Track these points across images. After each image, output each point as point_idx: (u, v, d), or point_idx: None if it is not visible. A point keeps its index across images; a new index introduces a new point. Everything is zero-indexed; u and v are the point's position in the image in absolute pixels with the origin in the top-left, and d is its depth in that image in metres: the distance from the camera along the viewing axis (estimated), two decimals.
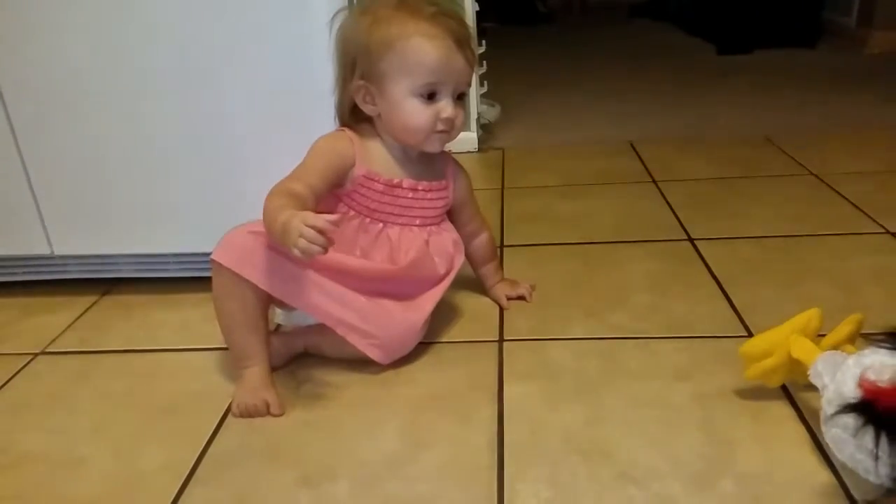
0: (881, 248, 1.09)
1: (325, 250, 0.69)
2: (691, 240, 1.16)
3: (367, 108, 0.84)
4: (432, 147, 0.85)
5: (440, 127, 0.82)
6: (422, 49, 0.79)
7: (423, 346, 0.90)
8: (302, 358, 0.89)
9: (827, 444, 0.65)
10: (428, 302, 0.89)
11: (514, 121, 1.96)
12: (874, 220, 1.18)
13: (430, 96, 0.81)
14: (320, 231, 0.68)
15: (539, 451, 0.71)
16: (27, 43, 0.92)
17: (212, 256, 0.79)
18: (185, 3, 0.89)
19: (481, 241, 0.99)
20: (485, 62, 1.73)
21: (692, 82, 2.31)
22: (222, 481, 0.70)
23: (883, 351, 0.63)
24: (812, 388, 0.68)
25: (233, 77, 0.93)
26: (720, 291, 0.99)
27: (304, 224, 0.68)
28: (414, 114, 0.81)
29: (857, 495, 0.62)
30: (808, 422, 0.72)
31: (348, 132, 0.86)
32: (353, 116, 0.86)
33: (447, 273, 0.91)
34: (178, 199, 1.00)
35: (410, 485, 0.68)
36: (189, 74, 0.93)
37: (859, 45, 2.57)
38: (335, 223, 0.70)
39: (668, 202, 1.33)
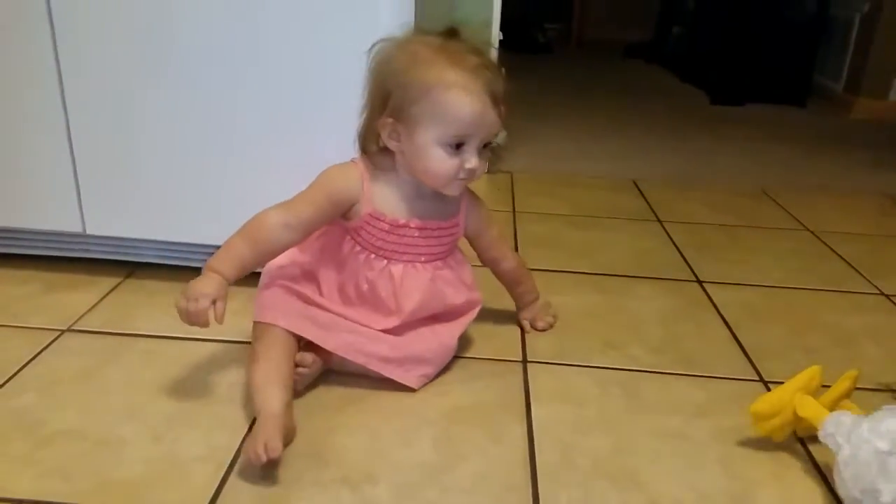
0: (877, 307, 1.16)
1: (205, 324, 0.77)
2: (699, 281, 1.21)
3: (392, 145, 0.83)
4: (451, 192, 0.85)
5: (462, 176, 0.82)
6: (459, 102, 0.78)
7: (452, 359, 0.93)
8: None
9: (841, 496, 0.70)
10: (456, 328, 0.92)
11: (520, 146, 2.01)
12: (869, 281, 1.25)
13: (458, 146, 0.80)
14: (185, 311, 0.76)
15: (570, 473, 0.74)
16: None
17: (255, 320, 0.83)
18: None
19: (507, 266, 0.99)
20: None
21: (688, 128, 2.40)
22: (264, 475, 0.71)
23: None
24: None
25: (272, 72, 0.95)
26: (730, 334, 1.04)
27: (191, 293, 0.76)
28: (439, 161, 0.80)
29: None
30: (821, 468, 0.76)
31: (360, 166, 0.85)
32: (374, 146, 0.85)
33: (467, 303, 0.92)
34: (207, 190, 1.01)
35: (449, 495, 0.70)
36: (229, 67, 0.95)
37: (845, 110, 2.70)
38: (200, 316, 0.76)
39: (674, 242, 1.38)
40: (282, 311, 0.83)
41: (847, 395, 0.79)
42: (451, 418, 0.82)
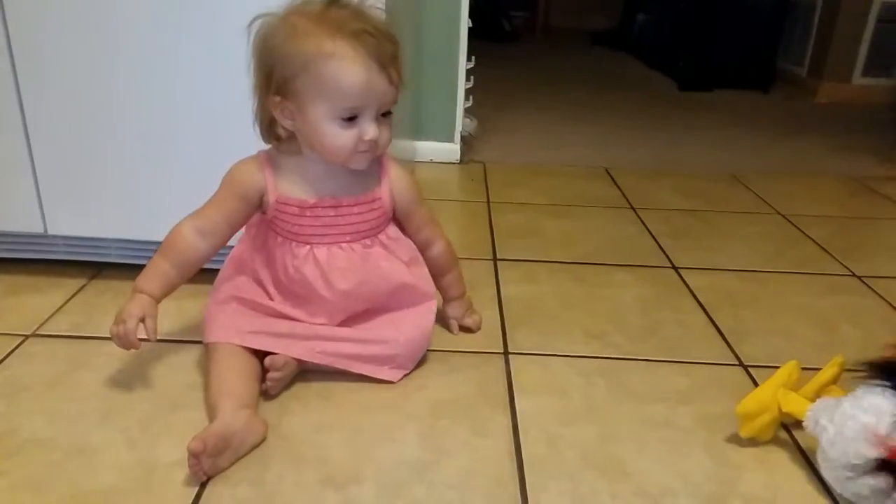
0: (850, 289, 1.17)
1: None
2: (675, 268, 1.22)
3: (287, 124, 0.79)
4: (357, 165, 0.81)
5: (362, 148, 0.78)
6: (341, 73, 0.73)
7: (430, 352, 0.91)
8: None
9: (827, 479, 0.71)
10: (420, 319, 0.88)
11: (491, 135, 2.00)
12: (840, 263, 1.27)
13: (351, 118, 0.76)
14: (114, 336, 0.77)
15: (557, 465, 0.74)
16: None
17: (204, 342, 0.82)
18: None
19: (436, 251, 0.93)
20: (472, 77, 1.77)
21: (657, 114, 2.41)
22: (245, 479, 0.69)
23: (877, 391, 0.69)
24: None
25: (233, 61, 0.90)
26: (707, 319, 1.05)
27: (119, 316, 0.78)
28: (334, 136, 0.77)
29: None
30: (805, 453, 0.77)
31: (262, 156, 0.83)
32: (279, 129, 0.81)
33: (417, 289, 0.89)
34: (172, 185, 0.98)
35: (436, 491, 0.69)
36: (187, 57, 0.92)
37: (809, 94, 2.74)
38: (128, 336, 0.77)
39: (648, 230, 1.39)
40: (232, 328, 0.81)
41: (834, 380, 0.80)
42: (435, 413, 0.80)
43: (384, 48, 0.75)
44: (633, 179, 1.69)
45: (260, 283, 0.86)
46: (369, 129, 0.77)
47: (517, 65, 3.31)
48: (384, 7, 0.79)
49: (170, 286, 0.82)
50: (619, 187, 1.64)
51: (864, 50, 2.68)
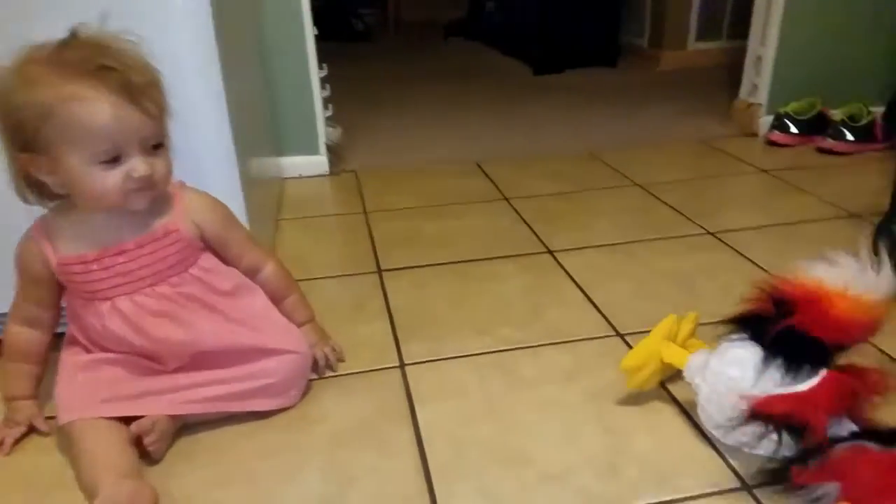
0: (705, 246, 1.28)
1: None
2: (551, 252, 1.28)
3: (48, 180, 0.73)
4: (137, 205, 0.75)
5: (133, 186, 0.73)
6: (83, 116, 0.69)
7: (325, 380, 0.91)
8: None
9: (709, 430, 0.78)
10: (276, 339, 0.84)
11: (358, 142, 2.00)
12: (695, 223, 1.37)
13: (115, 159, 0.71)
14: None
15: (464, 467, 0.76)
16: None
17: (58, 425, 0.78)
18: None
19: (266, 275, 0.89)
20: (328, 85, 1.76)
21: (517, 101, 2.50)
22: None
23: (737, 344, 0.76)
24: (678, 377, 0.82)
25: None
26: (584, 297, 1.11)
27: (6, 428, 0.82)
28: (98, 182, 0.72)
29: (739, 469, 0.75)
30: (686, 408, 0.84)
31: (35, 225, 0.78)
32: (46, 190, 0.75)
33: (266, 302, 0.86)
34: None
35: None
36: None
37: (653, 64, 2.93)
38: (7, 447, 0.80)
39: (523, 219, 1.44)
40: (85, 401, 0.77)
41: (691, 335, 0.87)
42: (335, 442, 0.80)
43: (132, 80, 0.70)
44: (503, 170, 1.75)
45: (87, 350, 0.82)
46: (138, 166, 0.72)
47: (374, 64, 3.32)
48: (134, 37, 0.72)
49: (36, 379, 0.84)
50: (491, 180, 1.69)
51: (694, 17, 2.89)
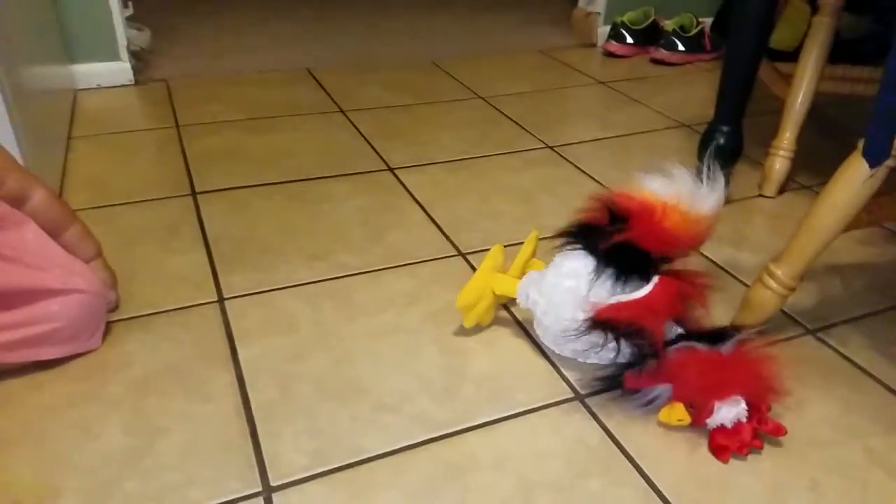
0: (545, 161, 1.25)
1: None
2: (391, 169, 1.20)
3: None
4: None
5: None
6: None
7: (129, 321, 0.79)
8: None
9: (544, 343, 0.76)
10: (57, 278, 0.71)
11: (170, 46, 1.77)
12: (535, 137, 1.35)
13: None
14: None
15: (292, 406, 0.69)
16: None
17: None
18: None
19: (35, 204, 0.74)
20: None
21: (354, 5, 2.33)
22: None
23: (572, 255, 0.73)
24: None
25: None
26: (426, 216, 1.05)
27: None
28: None
29: (572, 379, 0.73)
30: (524, 326, 0.81)
31: None
32: None
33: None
34: None
35: (153, 477, 0.60)
36: None
37: None
38: None
39: (360, 132, 1.34)
40: None
41: (532, 255, 0.85)
42: (141, 391, 0.70)
43: None
44: (337, 79, 1.62)
45: None
46: None
47: None
48: None
49: None
50: (324, 89, 1.56)
51: None
